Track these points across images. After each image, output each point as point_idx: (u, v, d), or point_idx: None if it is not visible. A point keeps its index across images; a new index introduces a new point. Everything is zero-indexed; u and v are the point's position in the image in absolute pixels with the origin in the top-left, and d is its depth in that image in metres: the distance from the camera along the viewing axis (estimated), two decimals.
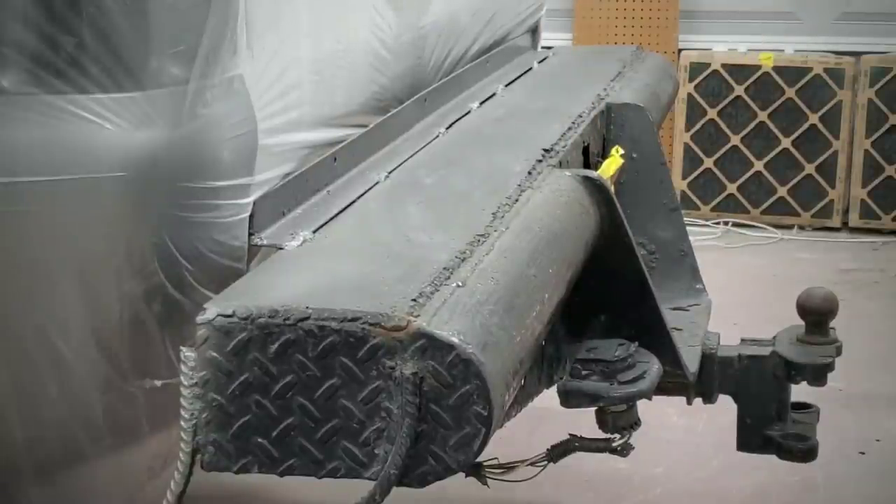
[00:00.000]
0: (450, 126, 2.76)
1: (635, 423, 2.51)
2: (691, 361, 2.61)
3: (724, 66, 6.13)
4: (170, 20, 1.74)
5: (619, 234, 2.40)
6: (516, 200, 2.15)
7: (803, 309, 2.73)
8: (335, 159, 2.26)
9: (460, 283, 1.75)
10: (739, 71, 6.12)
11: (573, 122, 2.75)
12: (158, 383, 1.83)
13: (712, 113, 6.16)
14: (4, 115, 1.65)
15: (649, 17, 6.34)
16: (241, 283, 1.80)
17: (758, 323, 3.41)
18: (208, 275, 1.85)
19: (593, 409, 2.51)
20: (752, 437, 2.73)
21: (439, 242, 1.92)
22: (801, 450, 2.70)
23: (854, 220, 6.05)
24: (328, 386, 1.64)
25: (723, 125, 6.16)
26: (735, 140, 6.15)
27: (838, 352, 2.72)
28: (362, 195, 2.21)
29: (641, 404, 2.47)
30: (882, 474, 3.65)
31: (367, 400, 1.64)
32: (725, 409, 2.77)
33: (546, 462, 2.60)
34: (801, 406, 2.80)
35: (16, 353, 1.70)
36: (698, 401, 2.76)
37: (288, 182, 2.06)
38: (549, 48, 4.05)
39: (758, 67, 6.09)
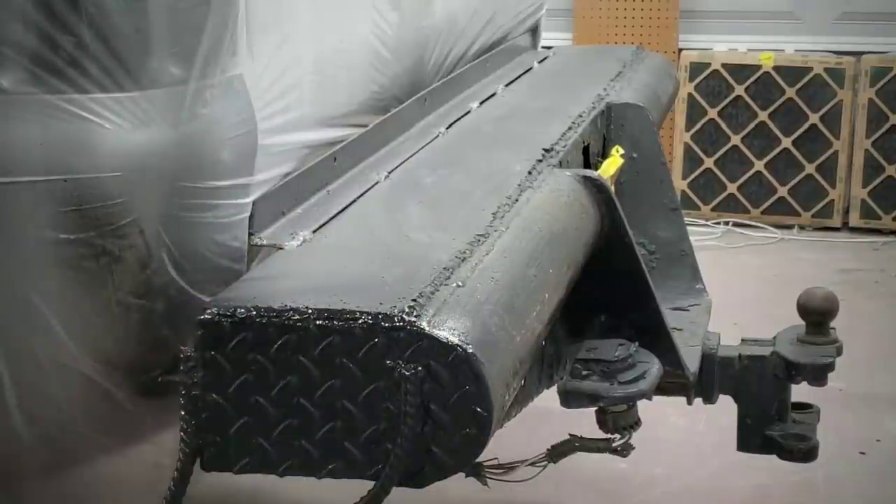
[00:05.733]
0: (450, 126, 2.75)
1: (635, 423, 2.51)
2: (691, 361, 2.61)
3: (724, 65, 6.13)
4: (170, 20, 1.74)
5: (619, 234, 2.40)
6: (516, 200, 2.15)
7: (803, 309, 2.73)
8: (335, 159, 2.26)
9: (460, 283, 1.75)
10: (739, 71, 6.12)
11: (573, 122, 2.75)
12: (159, 383, 1.83)
13: (712, 113, 6.16)
14: (4, 115, 1.65)
15: (649, 17, 6.34)
16: (240, 283, 1.80)
17: (758, 323, 3.41)
18: (208, 275, 1.85)
19: (593, 409, 2.51)
20: (752, 437, 2.73)
21: (439, 242, 1.92)
22: (802, 450, 2.70)
23: (854, 219, 6.05)
24: (328, 386, 1.64)
25: (723, 125, 6.16)
26: (735, 140, 6.15)
27: (839, 352, 2.72)
28: (362, 195, 2.21)
29: (641, 404, 2.47)
30: (882, 474, 3.65)
31: (368, 400, 1.64)
32: (725, 409, 2.77)
33: (546, 462, 2.60)
34: (802, 406, 2.80)
35: (16, 353, 1.70)
36: (698, 401, 2.75)
37: (288, 182, 2.06)
38: (549, 48, 4.05)
39: (758, 67, 6.09)
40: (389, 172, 2.35)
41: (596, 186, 2.36)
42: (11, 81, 1.64)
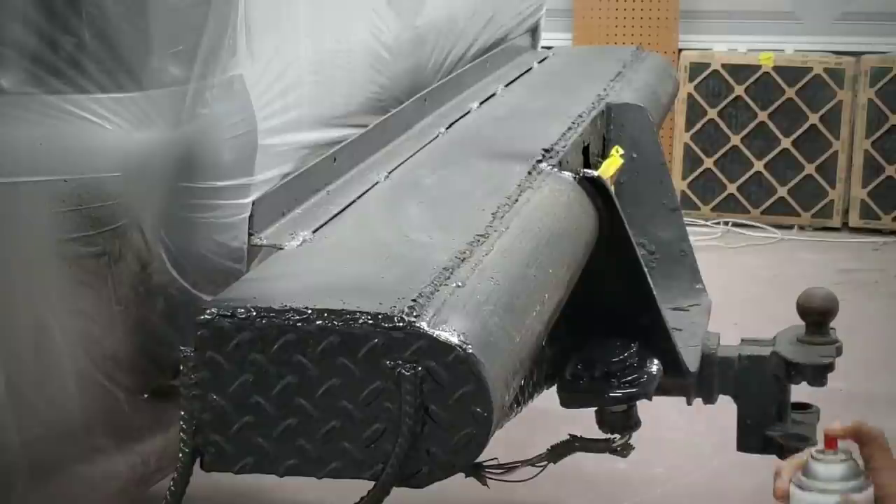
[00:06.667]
0: (450, 126, 2.75)
1: (635, 424, 2.51)
2: (691, 361, 2.61)
3: (724, 66, 6.13)
4: (170, 20, 1.74)
5: (619, 234, 2.40)
6: (516, 200, 2.15)
7: (803, 309, 2.73)
8: (335, 159, 2.26)
9: (460, 283, 1.75)
10: (739, 71, 6.12)
11: (573, 122, 2.75)
12: (159, 384, 1.83)
13: (712, 113, 6.16)
14: (4, 115, 1.65)
15: (649, 17, 6.34)
16: (240, 283, 1.80)
17: (758, 323, 3.41)
18: (208, 275, 1.85)
19: (593, 409, 2.51)
20: (752, 438, 2.74)
21: (439, 242, 1.92)
22: (802, 450, 2.69)
23: (854, 220, 6.05)
24: (328, 386, 1.64)
25: (723, 125, 6.16)
26: (735, 140, 6.15)
27: (838, 352, 2.72)
28: (362, 195, 2.21)
29: (641, 404, 2.47)
30: None
31: (367, 400, 1.64)
32: (725, 409, 2.77)
33: (546, 462, 2.60)
34: (802, 406, 2.80)
35: (15, 353, 1.70)
36: (698, 401, 2.76)
37: (288, 182, 2.06)
38: (549, 48, 4.05)
39: (758, 67, 6.09)
40: (389, 173, 2.35)
41: (596, 186, 2.36)
42: (11, 81, 1.64)
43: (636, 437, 2.55)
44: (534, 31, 3.90)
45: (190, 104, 1.76)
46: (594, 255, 2.30)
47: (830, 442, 1.50)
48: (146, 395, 1.83)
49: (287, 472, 1.68)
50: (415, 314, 1.63)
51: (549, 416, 2.64)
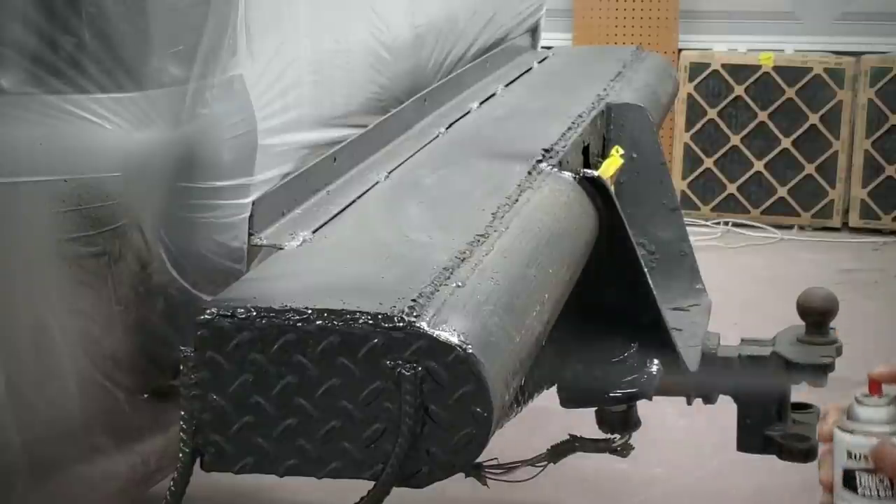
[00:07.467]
0: (450, 126, 2.75)
1: (635, 424, 2.51)
2: (691, 361, 2.61)
3: (724, 66, 6.13)
4: (170, 20, 1.74)
5: (619, 234, 2.40)
6: (516, 200, 2.15)
7: (803, 309, 2.73)
8: (335, 159, 2.26)
9: (460, 283, 1.75)
10: (739, 71, 6.12)
11: (573, 122, 2.75)
12: (159, 384, 1.83)
13: (712, 113, 6.16)
14: (4, 115, 1.65)
15: (649, 17, 6.34)
16: (240, 283, 1.80)
17: (758, 323, 3.41)
18: (208, 275, 1.85)
19: (593, 409, 2.52)
20: (752, 438, 2.73)
21: (439, 242, 1.92)
22: (802, 450, 2.70)
23: (854, 220, 6.05)
24: (328, 386, 1.64)
25: (723, 125, 6.16)
26: (735, 140, 6.15)
27: (838, 352, 2.72)
28: (362, 195, 2.21)
29: (641, 404, 2.47)
30: None
31: (367, 400, 1.64)
32: (725, 409, 2.77)
33: (546, 462, 2.61)
34: (801, 406, 2.80)
35: (13, 352, 1.70)
36: (698, 401, 2.76)
37: (288, 182, 2.06)
38: (549, 48, 4.05)
39: (758, 67, 6.09)
40: (389, 173, 2.35)
41: (596, 186, 2.36)
42: (11, 81, 1.64)
43: (636, 437, 2.55)
44: (534, 31, 3.90)
45: (190, 104, 1.76)
46: (594, 255, 2.30)
47: (874, 386, 1.51)
48: (146, 395, 1.83)
49: (287, 472, 1.68)
50: (415, 314, 1.63)
51: (549, 416, 2.64)
